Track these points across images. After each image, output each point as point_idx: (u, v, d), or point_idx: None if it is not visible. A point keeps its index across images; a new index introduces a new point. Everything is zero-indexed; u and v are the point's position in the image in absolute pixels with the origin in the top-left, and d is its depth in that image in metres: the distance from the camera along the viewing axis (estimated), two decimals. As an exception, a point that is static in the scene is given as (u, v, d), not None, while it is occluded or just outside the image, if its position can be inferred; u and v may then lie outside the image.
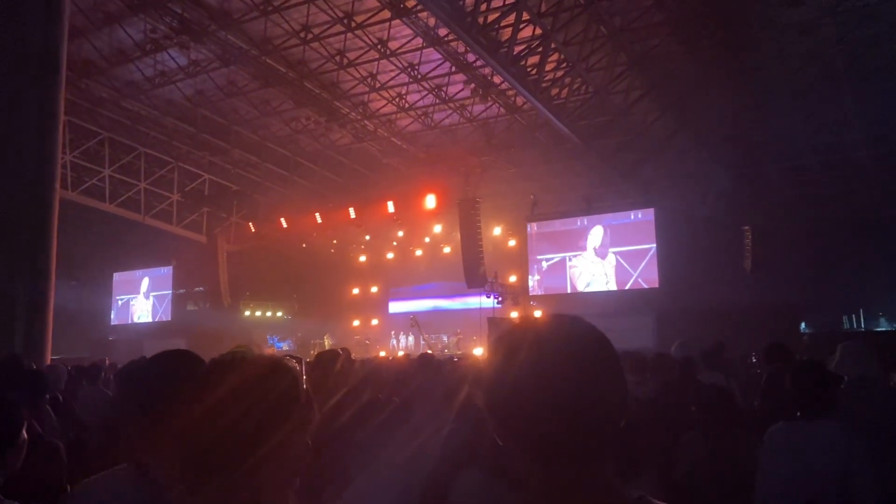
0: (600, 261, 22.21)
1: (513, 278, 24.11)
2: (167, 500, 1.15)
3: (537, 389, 1.10)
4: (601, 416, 1.13)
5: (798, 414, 3.41)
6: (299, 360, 4.67)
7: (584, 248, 22.63)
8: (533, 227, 23.75)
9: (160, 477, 1.15)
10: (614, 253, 21.97)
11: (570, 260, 22.93)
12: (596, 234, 22.45)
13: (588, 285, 22.36)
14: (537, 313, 22.27)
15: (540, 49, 14.94)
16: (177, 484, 1.14)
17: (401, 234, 26.45)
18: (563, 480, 1.12)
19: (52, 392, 5.25)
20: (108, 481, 1.77)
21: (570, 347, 1.15)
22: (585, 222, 22.74)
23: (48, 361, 8.33)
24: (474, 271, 20.82)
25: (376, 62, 17.89)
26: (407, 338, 25.07)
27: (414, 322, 24.01)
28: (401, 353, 18.55)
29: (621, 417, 1.16)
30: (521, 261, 23.87)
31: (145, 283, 30.94)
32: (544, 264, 23.46)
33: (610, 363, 1.16)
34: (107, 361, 12.81)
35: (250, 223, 26.12)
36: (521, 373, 1.13)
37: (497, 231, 24.33)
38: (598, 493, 1.11)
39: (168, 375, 1.89)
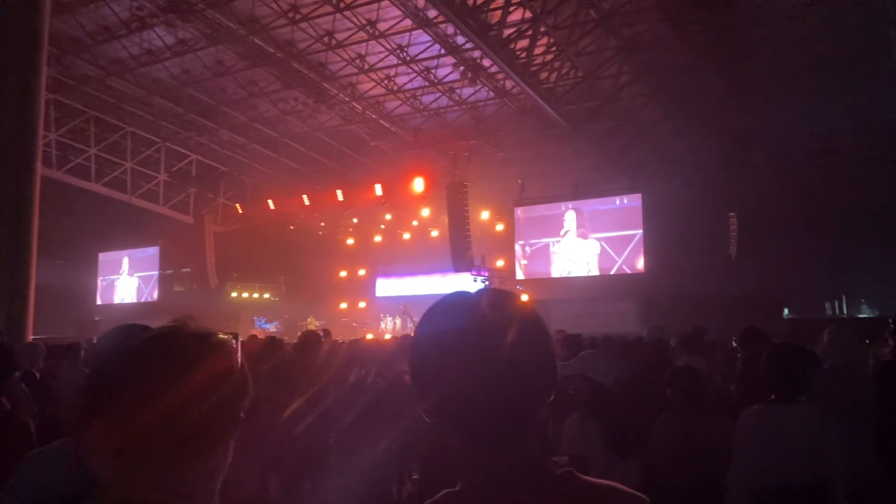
0: (580, 246, 22.27)
1: (500, 262, 24.15)
2: (95, 482, 1.13)
3: (461, 362, 1.08)
4: (528, 393, 1.11)
5: (772, 397, 3.44)
6: (279, 345, 4.67)
7: (564, 234, 22.70)
8: (520, 212, 23.76)
9: (92, 457, 1.14)
10: (598, 239, 22.03)
11: (552, 245, 22.99)
12: (570, 220, 22.51)
13: (569, 272, 22.43)
14: (524, 297, 22.37)
15: (529, 32, 14.88)
16: (106, 465, 1.13)
17: (388, 217, 26.44)
18: (489, 457, 1.10)
19: (26, 368, 5.24)
20: (51, 457, 1.77)
21: (499, 322, 1.12)
22: (570, 207, 22.78)
23: (29, 340, 8.30)
24: (462, 255, 20.84)
25: (365, 44, 17.76)
26: (395, 320, 25.12)
27: (406, 311, 24.11)
28: (388, 336, 18.58)
29: (548, 395, 1.14)
30: (509, 245, 23.90)
31: (125, 263, 30.75)
32: (527, 249, 23.52)
33: (539, 339, 1.15)
34: (94, 339, 12.76)
35: (237, 204, 26.01)
36: (445, 345, 1.11)
37: (485, 215, 24.34)
38: (523, 469, 1.10)
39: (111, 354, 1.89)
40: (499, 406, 1.08)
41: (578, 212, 22.43)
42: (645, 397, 4.24)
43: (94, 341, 11.77)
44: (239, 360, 1.24)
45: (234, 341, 1.26)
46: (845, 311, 18.75)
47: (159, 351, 1.19)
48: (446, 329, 1.14)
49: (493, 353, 1.09)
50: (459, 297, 1.20)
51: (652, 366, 5.20)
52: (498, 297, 1.19)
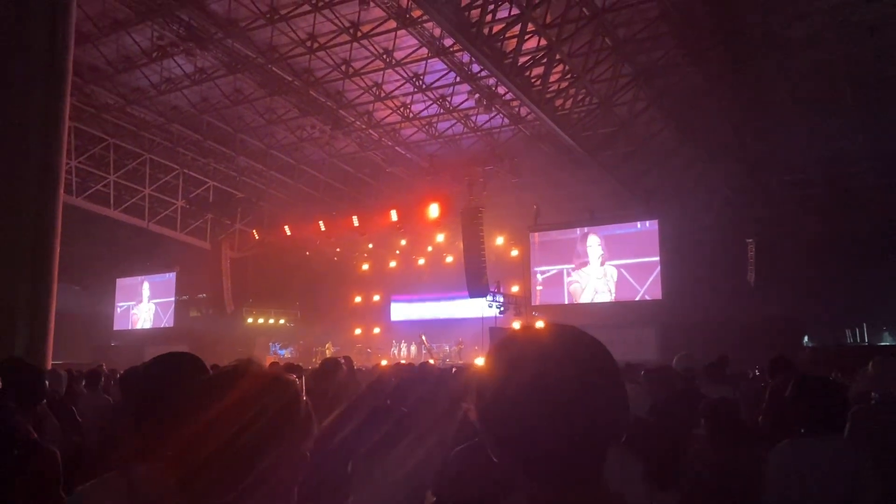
0: (602, 273, 22.18)
1: (515, 288, 24.08)
2: None
3: (538, 402, 1.05)
4: (604, 431, 1.08)
5: (802, 430, 3.35)
6: (299, 373, 4.63)
7: (585, 260, 22.61)
8: (535, 238, 23.73)
9: (151, 488, 1.13)
10: (616, 266, 21.93)
11: (568, 274, 22.91)
12: (594, 245, 22.45)
13: (592, 298, 22.30)
14: (539, 324, 22.22)
15: (545, 60, 14.97)
16: (170, 497, 1.12)
17: (404, 242, 26.48)
18: (563, 499, 1.06)
19: (55, 395, 5.25)
20: (98, 491, 1.73)
21: (572, 358, 1.09)
22: (586, 232, 22.75)
23: (49, 366, 8.31)
24: (477, 280, 20.78)
25: (381, 72, 17.94)
26: (409, 347, 25.03)
27: (422, 341, 24.06)
28: (403, 362, 18.50)
29: (623, 432, 1.11)
30: (524, 271, 23.84)
31: (146, 288, 30.96)
32: (539, 277, 23.46)
33: (612, 375, 1.12)
34: (104, 367, 12.78)
35: (254, 230, 26.13)
36: (520, 385, 1.07)
37: (500, 241, 24.32)
38: None
39: (164, 381, 1.86)
40: (571, 447, 1.05)
41: (602, 237, 22.37)
42: (675, 428, 4.17)
43: (105, 368, 11.79)
44: (304, 400, 1.23)
45: (298, 381, 1.25)
46: (866, 339, 18.49)
47: (227, 390, 1.18)
48: (515, 368, 1.11)
49: (565, 393, 1.06)
50: (527, 335, 1.18)
51: (681, 396, 5.12)
52: (566, 334, 1.15)
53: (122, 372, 6.46)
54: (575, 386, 1.06)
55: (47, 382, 5.47)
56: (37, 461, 2.79)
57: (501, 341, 1.19)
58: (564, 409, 1.05)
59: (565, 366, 1.08)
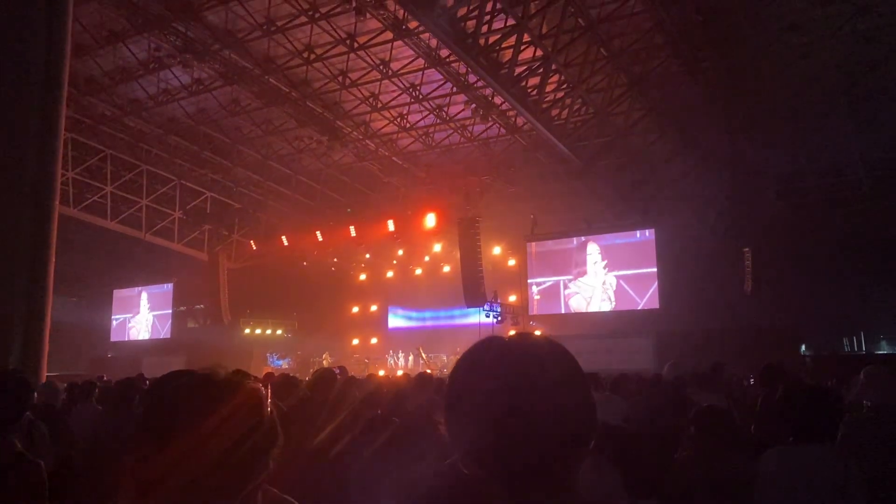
0: (601, 281, 22.16)
1: (512, 297, 24.06)
2: None
3: (509, 410, 1.04)
4: (574, 438, 1.08)
5: (791, 438, 3.35)
6: (296, 384, 4.58)
7: (583, 269, 22.58)
8: (532, 247, 23.73)
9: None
10: (616, 276, 21.91)
11: (566, 285, 22.89)
12: (594, 253, 22.43)
13: (587, 307, 22.27)
14: (537, 333, 22.14)
15: (540, 70, 15.04)
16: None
17: (401, 252, 26.45)
18: None
19: (51, 408, 5.24)
20: None
21: (541, 367, 1.09)
22: (585, 240, 22.74)
23: (44, 378, 8.29)
24: (474, 290, 20.77)
25: (378, 82, 18.02)
26: (407, 357, 24.98)
27: (419, 353, 24.01)
28: (400, 373, 18.45)
29: (588, 441, 1.11)
30: (521, 280, 23.83)
31: (144, 299, 30.91)
32: (534, 288, 23.45)
33: (581, 383, 1.12)
34: (104, 377, 12.84)
35: (251, 241, 26.14)
36: (490, 393, 1.06)
37: (497, 250, 24.31)
38: None
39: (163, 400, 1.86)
40: (538, 454, 1.05)
41: (601, 246, 22.35)
42: (663, 436, 4.16)
43: (105, 378, 11.81)
44: (268, 408, 1.24)
45: (263, 389, 1.25)
46: (863, 348, 18.47)
47: (192, 401, 1.18)
48: (480, 377, 1.11)
49: (530, 401, 1.06)
50: (493, 344, 1.17)
51: (671, 404, 5.11)
52: (532, 343, 1.16)
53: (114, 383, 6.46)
54: (543, 394, 1.06)
55: (37, 395, 5.47)
56: (21, 473, 2.77)
57: (465, 353, 1.18)
58: (527, 417, 1.04)
59: (528, 375, 1.08)
